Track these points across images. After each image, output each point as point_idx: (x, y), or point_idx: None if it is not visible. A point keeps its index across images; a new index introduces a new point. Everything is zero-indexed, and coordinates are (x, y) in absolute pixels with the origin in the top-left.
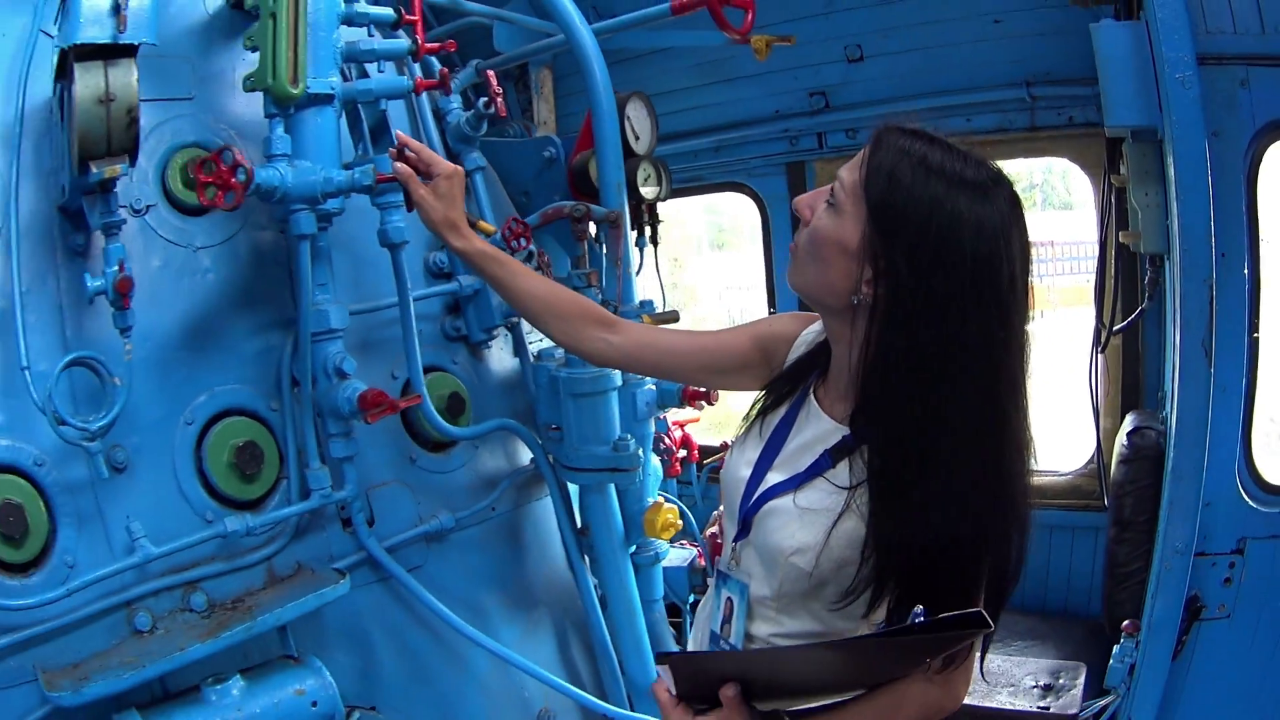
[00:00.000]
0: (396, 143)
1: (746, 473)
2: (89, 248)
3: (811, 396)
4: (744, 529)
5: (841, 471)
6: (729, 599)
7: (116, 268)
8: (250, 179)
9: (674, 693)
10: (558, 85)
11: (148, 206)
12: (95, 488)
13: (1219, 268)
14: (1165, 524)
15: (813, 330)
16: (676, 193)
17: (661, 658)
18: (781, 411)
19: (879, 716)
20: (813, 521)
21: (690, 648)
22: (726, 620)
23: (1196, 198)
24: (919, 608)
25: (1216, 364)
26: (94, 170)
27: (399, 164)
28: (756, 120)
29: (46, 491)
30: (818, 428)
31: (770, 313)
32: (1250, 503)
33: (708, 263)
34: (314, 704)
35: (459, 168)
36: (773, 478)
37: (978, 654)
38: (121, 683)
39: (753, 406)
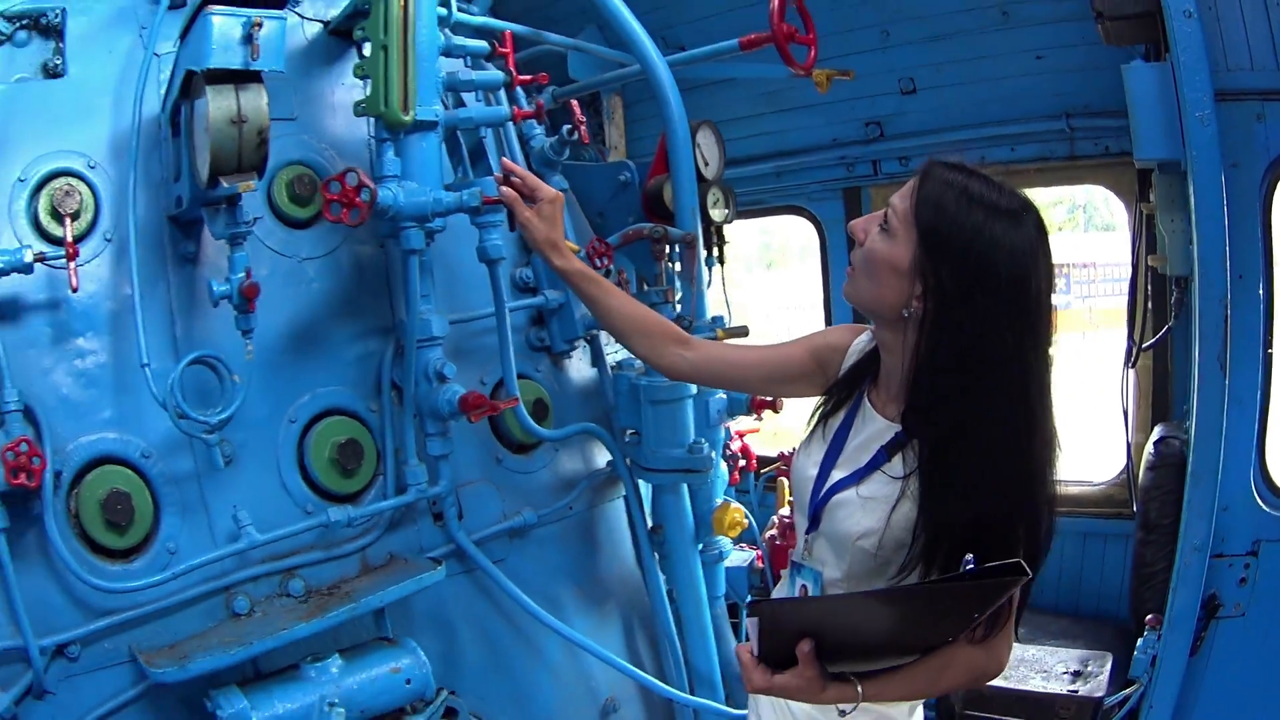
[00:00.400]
0: (502, 169)
1: (813, 472)
2: (199, 255)
3: (866, 400)
4: (814, 521)
5: (896, 464)
6: (803, 586)
7: (243, 274)
8: (374, 198)
9: (756, 654)
10: (627, 111)
11: (255, 219)
12: (201, 479)
13: (1235, 288)
14: (1185, 524)
15: (862, 340)
16: (740, 215)
17: (752, 608)
18: (841, 415)
19: (931, 676)
20: (874, 509)
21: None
22: None
23: (1213, 225)
24: (969, 555)
25: (1231, 377)
26: (224, 184)
27: (505, 188)
28: (815, 148)
29: (152, 482)
30: (873, 427)
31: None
32: (1264, 507)
33: (758, 281)
34: (408, 681)
35: (560, 193)
36: (837, 474)
37: (1011, 639)
38: (228, 658)
39: (814, 412)
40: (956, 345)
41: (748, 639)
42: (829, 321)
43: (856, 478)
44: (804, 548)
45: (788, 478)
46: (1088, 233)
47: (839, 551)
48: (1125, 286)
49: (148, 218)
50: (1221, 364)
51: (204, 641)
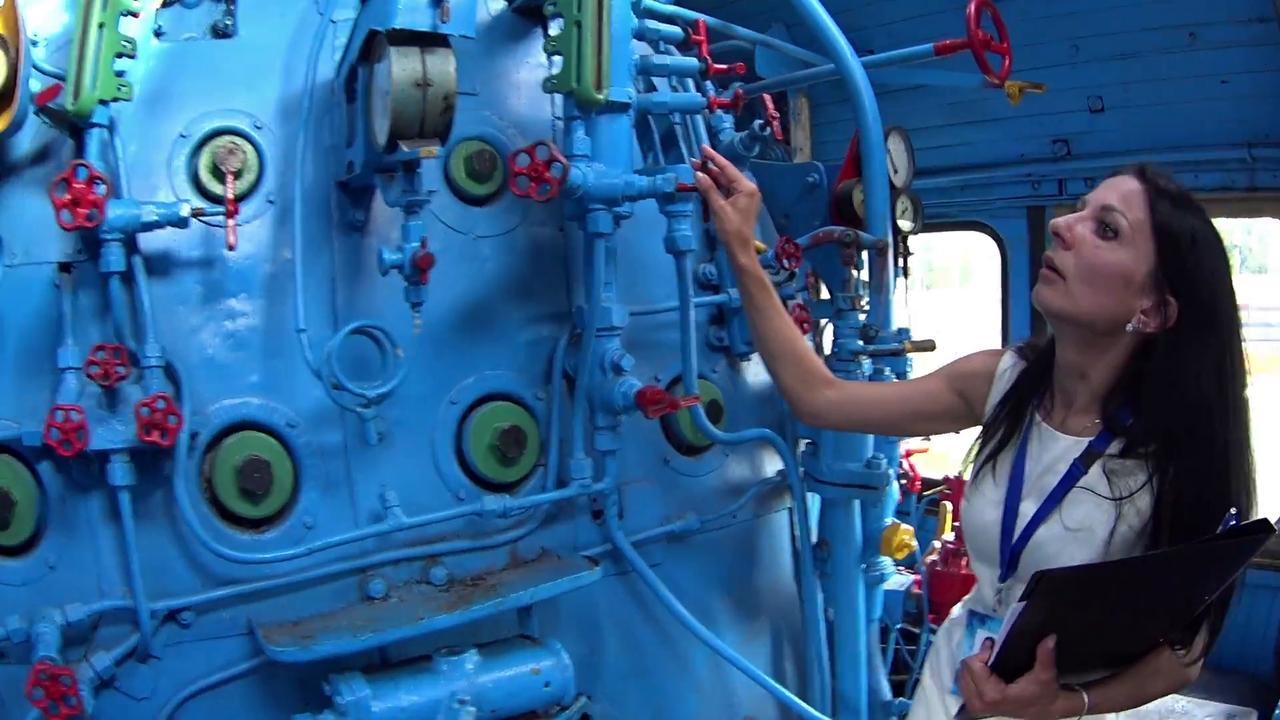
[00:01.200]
0: (701, 155)
1: (996, 514)
2: (367, 224)
3: (1042, 423)
4: (1011, 566)
5: (1097, 481)
6: (989, 640)
7: (418, 244)
8: (566, 174)
9: (992, 662)
10: (814, 113)
11: (430, 193)
12: (348, 454)
13: None
14: None
15: (1006, 363)
16: (924, 228)
17: (1039, 575)
18: (1013, 449)
19: (1141, 682)
20: (1088, 539)
21: (928, 691)
22: None
23: None
24: (1233, 510)
25: None
26: (404, 149)
27: (701, 174)
28: (1000, 163)
29: (296, 453)
30: (1057, 448)
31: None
32: None
33: (917, 301)
34: (547, 684)
35: (756, 188)
36: (1028, 508)
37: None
38: (357, 643)
39: (974, 453)
40: (1202, 359)
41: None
42: (1006, 340)
43: (1053, 504)
44: (994, 598)
45: (951, 501)
46: (1242, 273)
47: None
48: (1276, 332)
49: (315, 183)
50: None
51: (331, 623)
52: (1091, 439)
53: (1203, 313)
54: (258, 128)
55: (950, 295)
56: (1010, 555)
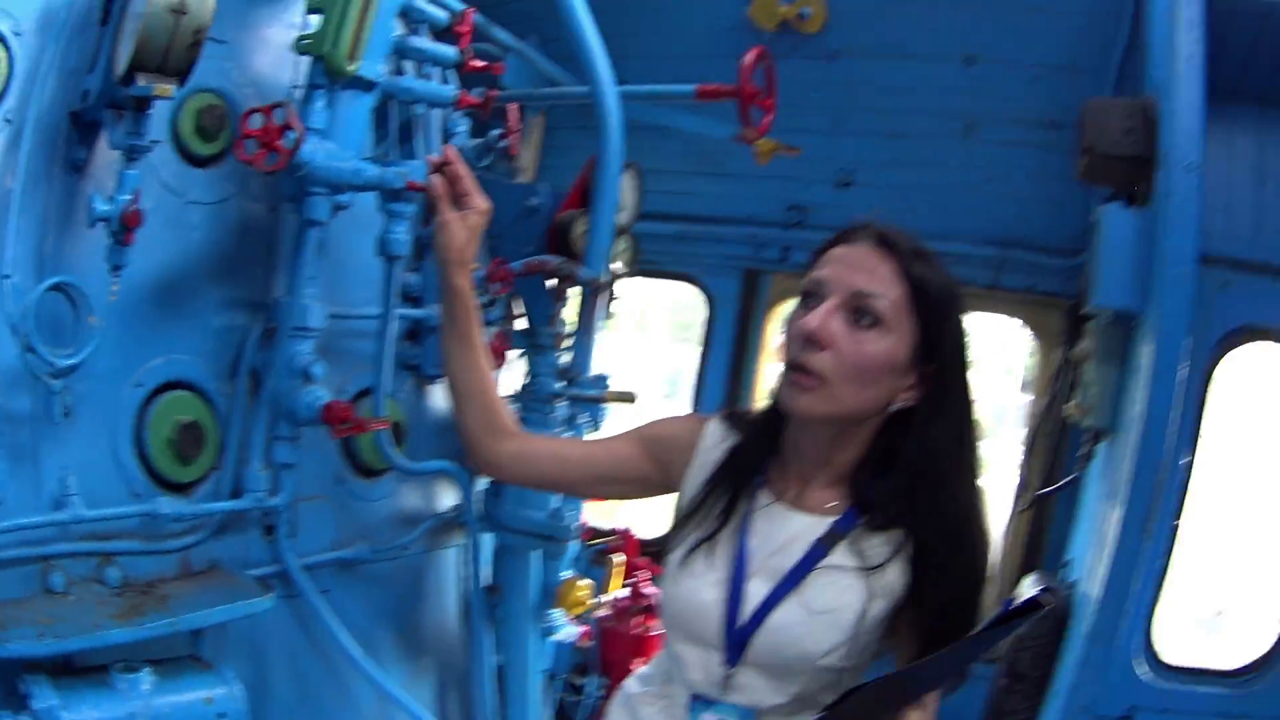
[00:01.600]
0: (443, 156)
1: (715, 594)
2: (88, 166)
3: (775, 502)
4: (738, 651)
5: (841, 555)
6: None
7: (130, 197)
8: (299, 145)
9: None
10: (546, 135)
11: (153, 142)
12: (35, 426)
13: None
14: (1073, 683)
15: (711, 435)
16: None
17: (851, 690)
18: (731, 529)
19: None
20: (836, 621)
21: None
22: None
23: (1165, 387)
24: (1022, 591)
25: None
26: (140, 83)
27: (437, 178)
28: (727, 219)
29: None
30: (790, 527)
31: (694, 410)
32: (1145, 675)
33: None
34: (221, 715)
35: (490, 205)
36: (757, 589)
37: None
38: (41, 648)
39: (681, 531)
40: (954, 426)
41: None
42: (700, 402)
43: (790, 585)
44: (721, 682)
45: (625, 554)
46: None
47: (786, 677)
48: None
49: (51, 109)
50: (1145, 528)
51: (19, 614)
52: (835, 519)
53: (951, 370)
54: (17, 34)
55: (623, 343)
56: (740, 639)
